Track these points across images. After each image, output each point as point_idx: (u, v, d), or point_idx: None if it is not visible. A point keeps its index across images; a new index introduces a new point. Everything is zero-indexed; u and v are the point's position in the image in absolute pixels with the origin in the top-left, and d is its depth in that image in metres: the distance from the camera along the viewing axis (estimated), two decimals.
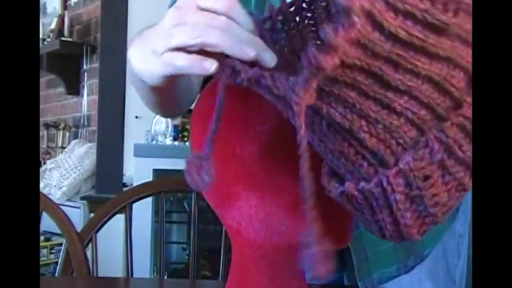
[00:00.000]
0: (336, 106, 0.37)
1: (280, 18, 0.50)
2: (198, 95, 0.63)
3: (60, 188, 2.63)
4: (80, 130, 3.25)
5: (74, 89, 3.31)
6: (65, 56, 3.21)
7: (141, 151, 2.36)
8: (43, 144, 3.43)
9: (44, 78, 3.57)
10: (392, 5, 0.34)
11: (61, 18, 3.26)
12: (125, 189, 2.43)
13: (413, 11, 0.34)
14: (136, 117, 2.69)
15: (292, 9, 0.50)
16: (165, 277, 1.99)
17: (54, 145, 3.35)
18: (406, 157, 0.38)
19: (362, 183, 0.40)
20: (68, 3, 3.43)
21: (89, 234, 1.05)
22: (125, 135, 2.63)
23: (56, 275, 2.30)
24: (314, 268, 0.35)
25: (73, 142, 2.99)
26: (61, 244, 2.49)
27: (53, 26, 3.26)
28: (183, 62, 0.43)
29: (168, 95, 0.62)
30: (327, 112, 0.37)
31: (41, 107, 3.52)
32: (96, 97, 2.86)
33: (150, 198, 1.77)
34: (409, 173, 0.38)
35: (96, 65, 2.93)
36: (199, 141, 0.53)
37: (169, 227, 2.66)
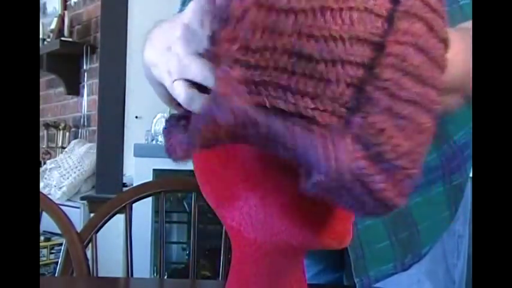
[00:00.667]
0: (275, 94, 0.37)
1: None
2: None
3: (60, 188, 2.63)
4: (80, 130, 3.25)
5: (74, 89, 3.31)
6: (65, 56, 3.21)
7: (141, 151, 2.36)
8: (43, 144, 3.43)
9: (44, 78, 3.57)
10: None
11: (61, 18, 3.26)
12: (125, 189, 2.43)
13: None
14: (136, 117, 2.69)
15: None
16: (165, 277, 1.99)
17: (54, 145, 3.35)
18: (354, 119, 0.37)
19: (323, 165, 0.38)
20: (68, 3, 3.43)
21: (89, 234, 1.05)
22: (125, 135, 2.63)
23: (56, 275, 2.30)
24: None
25: (73, 142, 2.98)
26: (61, 244, 2.49)
27: (53, 26, 3.26)
28: (182, 97, 0.43)
29: None
30: (270, 104, 0.37)
31: (41, 107, 3.52)
32: (96, 97, 2.86)
33: (150, 198, 1.77)
34: (363, 134, 0.36)
35: (96, 65, 2.93)
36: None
37: (169, 227, 2.66)
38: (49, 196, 1.36)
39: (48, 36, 3.27)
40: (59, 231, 1.05)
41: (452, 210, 0.82)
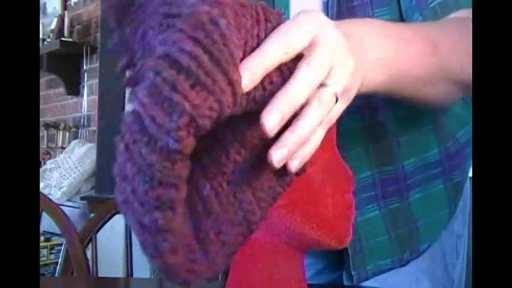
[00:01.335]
0: None
1: None
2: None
3: (60, 188, 2.63)
4: (80, 130, 3.25)
5: (74, 89, 3.31)
6: (65, 56, 3.21)
7: None
8: (43, 145, 3.43)
9: (44, 78, 3.57)
10: None
11: (61, 18, 3.27)
12: None
13: None
14: None
15: None
16: None
17: (54, 145, 3.35)
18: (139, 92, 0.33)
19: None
20: (68, 3, 3.43)
21: (89, 234, 1.05)
22: None
23: (56, 275, 2.30)
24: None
25: (73, 142, 2.99)
26: (61, 244, 2.49)
27: (53, 26, 3.26)
28: None
29: None
30: None
31: (41, 107, 3.52)
32: (96, 97, 2.86)
33: None
34: (138, 113, 0.33)
35: (96, 65, 2.93)
36: None
37: None
38: (49, 196, 1.36)
39: (48, 37, 3.27)
40: (59, 231, 1.05)
41: (452, 208, 0.82)
